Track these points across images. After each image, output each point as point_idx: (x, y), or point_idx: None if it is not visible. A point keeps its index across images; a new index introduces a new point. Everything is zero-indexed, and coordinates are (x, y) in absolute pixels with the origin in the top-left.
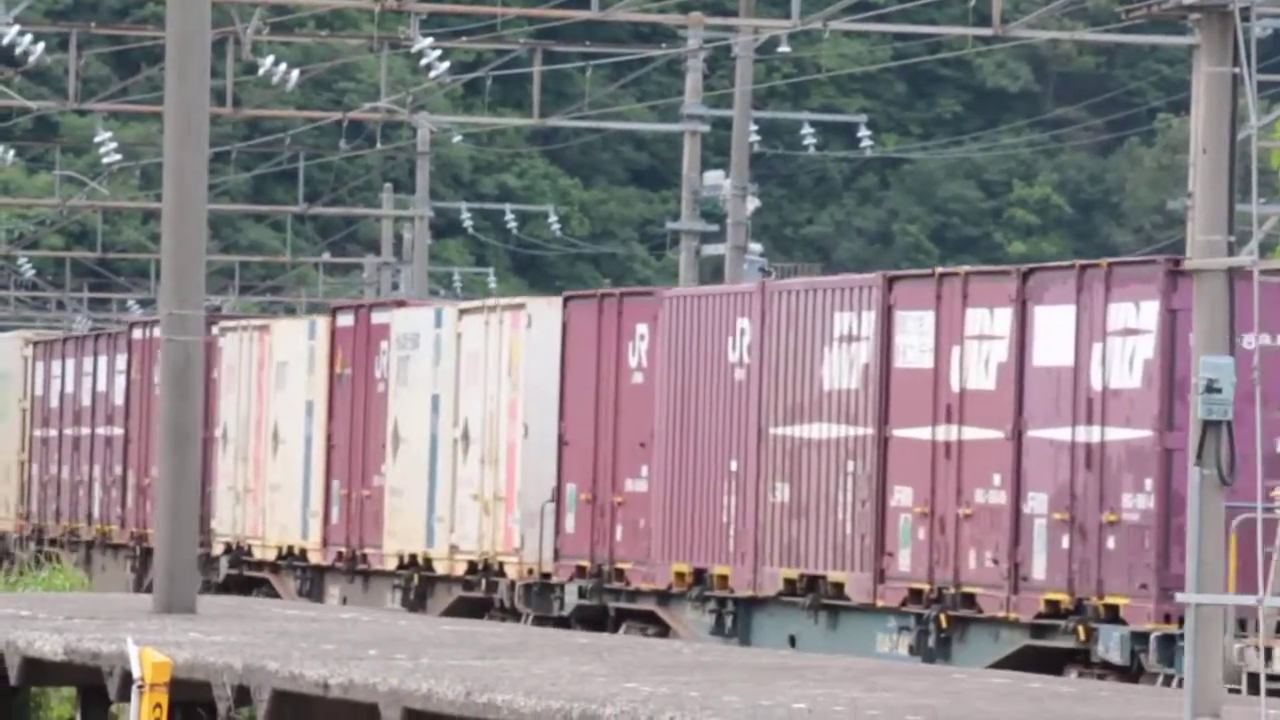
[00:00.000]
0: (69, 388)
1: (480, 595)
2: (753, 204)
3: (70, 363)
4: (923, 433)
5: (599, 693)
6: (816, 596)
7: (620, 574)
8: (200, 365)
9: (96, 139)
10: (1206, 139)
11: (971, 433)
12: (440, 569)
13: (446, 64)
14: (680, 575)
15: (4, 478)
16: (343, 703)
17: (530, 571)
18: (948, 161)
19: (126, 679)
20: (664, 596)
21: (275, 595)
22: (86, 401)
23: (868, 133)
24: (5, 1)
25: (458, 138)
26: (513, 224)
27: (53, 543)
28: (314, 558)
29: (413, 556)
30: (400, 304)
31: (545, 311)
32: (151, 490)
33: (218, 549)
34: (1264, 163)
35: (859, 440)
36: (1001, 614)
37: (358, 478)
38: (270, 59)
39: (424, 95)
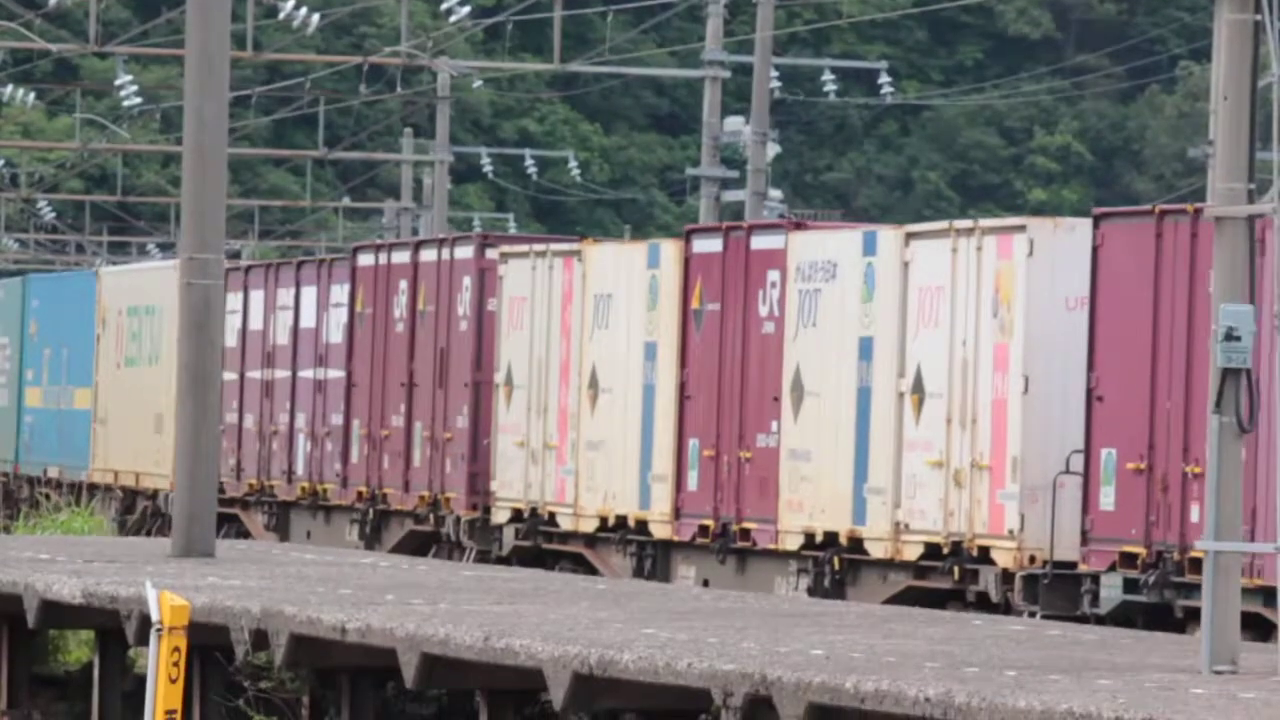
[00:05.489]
0: (254, 324)
1: (946, 586)
2: (773, 150)
3: (256, 295)
4: None
5: (617, 638)
6: None
7: (1196, 564)
8: (221, 309)
9: (117, 82)
10: (1227, 87)
11: None
12: (876, 551)
13: (467, 9)
14: None
15: (155, 428)
16: (360, 647)
17: (1032, 559)
18: (968, 109)
19: (145, 622)
20: (1274, 594)
21: (591, 571)
22: (283, 339)
23: (888, 79)
24: None
25: (478, 83)
26: (533, 169)
27: (230, 502)
28: (659, 531)
29: (829, 535)
30: (799, 225)
31: (1054, 235)
32: (389, 444)
33: (500, 516)
34: None
35: None
36: None
37: (730, 437)
38: (291, 3)
39: (444, 40)
